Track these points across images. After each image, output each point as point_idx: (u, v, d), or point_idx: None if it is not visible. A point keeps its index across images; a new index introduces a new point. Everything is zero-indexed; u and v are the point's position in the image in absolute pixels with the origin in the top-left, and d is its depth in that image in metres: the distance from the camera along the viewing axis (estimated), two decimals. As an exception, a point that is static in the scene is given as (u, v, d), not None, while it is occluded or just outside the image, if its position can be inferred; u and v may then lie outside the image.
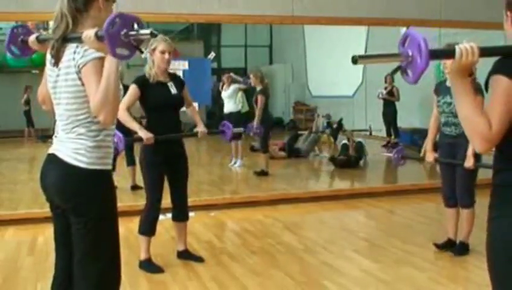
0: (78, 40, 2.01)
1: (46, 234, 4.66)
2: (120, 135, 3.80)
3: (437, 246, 4.33)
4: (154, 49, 3.87)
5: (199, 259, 4.15)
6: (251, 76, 8.13)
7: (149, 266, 3.95)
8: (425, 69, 1.61)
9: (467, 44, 1.65)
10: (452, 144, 4.17)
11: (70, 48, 2.07)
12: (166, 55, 3.88)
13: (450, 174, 4.24)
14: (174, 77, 4.05)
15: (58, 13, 2.11)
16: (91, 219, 2.11)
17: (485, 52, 1.67)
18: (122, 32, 1.88)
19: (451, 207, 4.29)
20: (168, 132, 3.94)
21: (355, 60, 1.65)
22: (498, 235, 1.73)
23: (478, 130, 1.63)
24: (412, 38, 1.62)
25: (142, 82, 3.91)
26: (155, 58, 3.89)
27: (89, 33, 1.94)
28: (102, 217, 2.15)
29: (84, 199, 2.11)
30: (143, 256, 3.98)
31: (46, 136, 13.05)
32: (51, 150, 2.20)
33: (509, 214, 1.70)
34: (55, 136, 2.20)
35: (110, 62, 1.96)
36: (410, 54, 1.62)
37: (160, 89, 3.92)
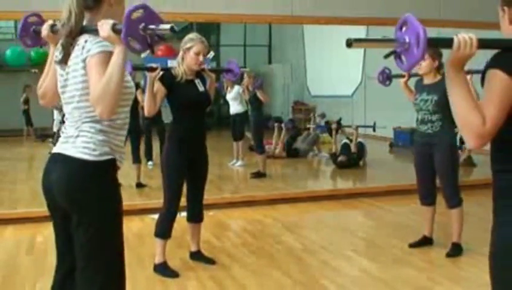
0: (94, 31, 2.01)
1: (45, 233, 4.66)
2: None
3: (411, 245, 4.40)
4: (188, 49, 3.77)
5: (211, 261, 4.09)
6: (245, 76, 8.14)
7: (164, 270, 3.84)
8: (422, 59, 1.59)
9: (465, 35, 1.58)
10: (429, 144, 4.16)
11: (79, 44, 2.04)
12: (201, 57, 3.80)
13: (426, 174, 4.27)
14: (199, 74, 3.94)
15: (67, 11, 2.08)
16: (94, 222, 2.03)
17: (484, 44, 1.61)
18: (141, 25, 1.85)
19: (428, 205, 4.36)
20: (195, 130, 3.89)
21: (349, 44, 1.62)
22: (503, 244, 1.63)
23: (471, 125, 1.55)
24: (410, 26, 1.57)
25: (169, 81, 3.79)
26: (187, 58, 3.79)
27: (106, 21, 1.94)
28: (107, 219, 2.06)
29: (89, 195, 2.02)
30: (158, 259, 3.86)
31: (45, 135, 13.06)
32: (55, 150, 2.13)
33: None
34: (61, 136, 2.13)
35: (118, 54, 1.94)
36: (407, 40, 1.57)
37: (189, 88, 3.83)
